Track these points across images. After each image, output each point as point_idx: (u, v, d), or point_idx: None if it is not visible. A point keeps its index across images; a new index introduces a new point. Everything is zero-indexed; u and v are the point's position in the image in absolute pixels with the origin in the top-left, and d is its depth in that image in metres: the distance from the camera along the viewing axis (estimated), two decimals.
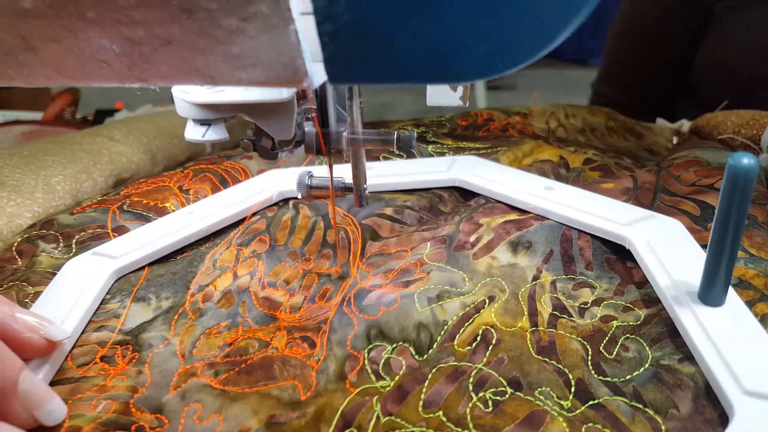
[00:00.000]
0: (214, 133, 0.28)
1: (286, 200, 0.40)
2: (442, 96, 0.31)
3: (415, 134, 0.29)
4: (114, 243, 0.34)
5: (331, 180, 0.32)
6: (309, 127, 0.29)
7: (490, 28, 0.17)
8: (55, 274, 0.32)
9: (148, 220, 0.38)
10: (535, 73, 2.45)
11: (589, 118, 0.55)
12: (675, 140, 0.57)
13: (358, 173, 0.32)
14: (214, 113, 0.28)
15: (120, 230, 0.37)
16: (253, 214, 0.38)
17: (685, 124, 0.58)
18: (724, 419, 0.22)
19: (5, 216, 0.37)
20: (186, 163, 0.54)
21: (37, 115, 0.79)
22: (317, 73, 0.19)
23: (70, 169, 0.43)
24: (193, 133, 0.28)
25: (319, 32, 0.17)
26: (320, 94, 0.28)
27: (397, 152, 0.45)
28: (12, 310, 0.25)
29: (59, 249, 0.35)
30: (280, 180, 0.40)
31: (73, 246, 0.36)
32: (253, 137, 0.30)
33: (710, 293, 0.25)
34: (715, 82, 0.69)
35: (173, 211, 0.38)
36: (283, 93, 0.27)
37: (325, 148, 0.29)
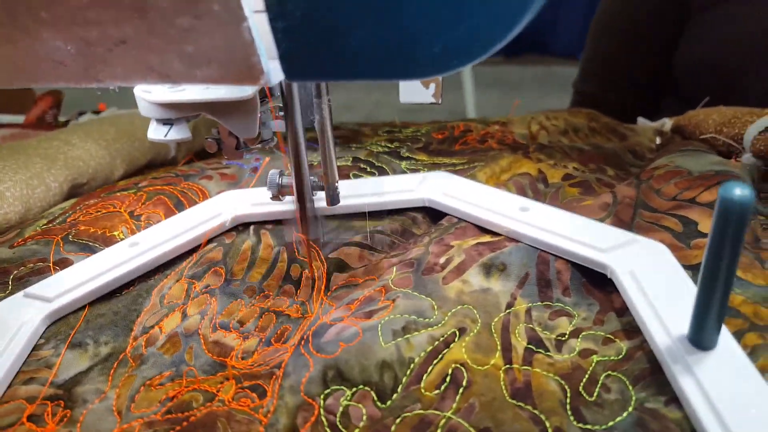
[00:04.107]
0: (177, 133, 0.28)
1: (246, 224, 0.37)
2: (414, 93, 0.30)
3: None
4: (48, 282, 0.31)
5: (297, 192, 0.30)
6: (275, 126, 0.30)
7: (445, 23, 0.16)
8: None
9: (94, 251, 0.35)
10: (523, 69, 2.42)
11: (571, 120, 0.53)
12: (658, 140, 0.55)
13: (328, 171, 0.31)
14: (176, 112, 0.27)
15: (63, 263, 0.34)
16: (209, 241, 0.35)
17: (666, 123, 0.57)
18: None
19: None
20: (147, 166, 0.52)
21: (19, 119, 0.76)
22: (275, 71, 0.18)
23: (21, 175, 0.41)
24: (156, 132, 0.28)
25: (273, 29, 0.17)
26: (285, 92, 0.27)
27: (369, 169, 0.42)
28: None
29: None
30: (235, 202, 0.37)
31: (10, 283, 0.33)
32: (217, 136, 0.30)
33: (701, 336, 0.23)
34: (694, 76, 0.68)
35: (122, 239, 0.35)
36: (246, 91, 0.26)
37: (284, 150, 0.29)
